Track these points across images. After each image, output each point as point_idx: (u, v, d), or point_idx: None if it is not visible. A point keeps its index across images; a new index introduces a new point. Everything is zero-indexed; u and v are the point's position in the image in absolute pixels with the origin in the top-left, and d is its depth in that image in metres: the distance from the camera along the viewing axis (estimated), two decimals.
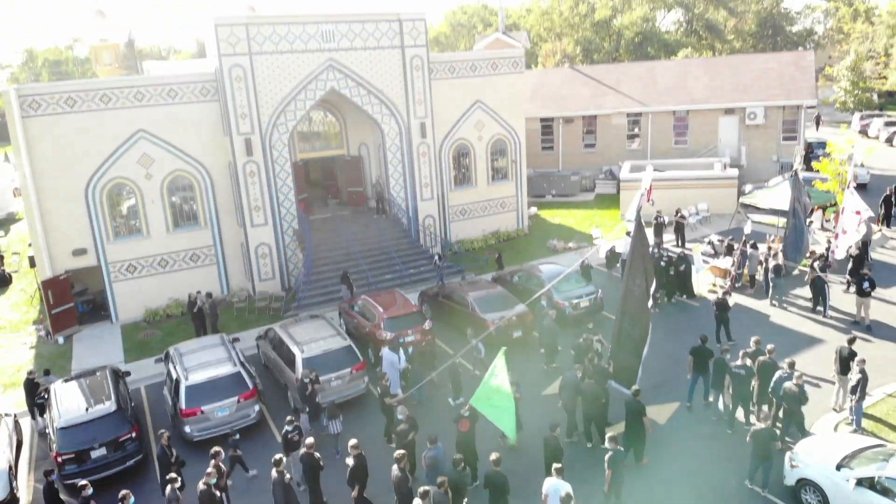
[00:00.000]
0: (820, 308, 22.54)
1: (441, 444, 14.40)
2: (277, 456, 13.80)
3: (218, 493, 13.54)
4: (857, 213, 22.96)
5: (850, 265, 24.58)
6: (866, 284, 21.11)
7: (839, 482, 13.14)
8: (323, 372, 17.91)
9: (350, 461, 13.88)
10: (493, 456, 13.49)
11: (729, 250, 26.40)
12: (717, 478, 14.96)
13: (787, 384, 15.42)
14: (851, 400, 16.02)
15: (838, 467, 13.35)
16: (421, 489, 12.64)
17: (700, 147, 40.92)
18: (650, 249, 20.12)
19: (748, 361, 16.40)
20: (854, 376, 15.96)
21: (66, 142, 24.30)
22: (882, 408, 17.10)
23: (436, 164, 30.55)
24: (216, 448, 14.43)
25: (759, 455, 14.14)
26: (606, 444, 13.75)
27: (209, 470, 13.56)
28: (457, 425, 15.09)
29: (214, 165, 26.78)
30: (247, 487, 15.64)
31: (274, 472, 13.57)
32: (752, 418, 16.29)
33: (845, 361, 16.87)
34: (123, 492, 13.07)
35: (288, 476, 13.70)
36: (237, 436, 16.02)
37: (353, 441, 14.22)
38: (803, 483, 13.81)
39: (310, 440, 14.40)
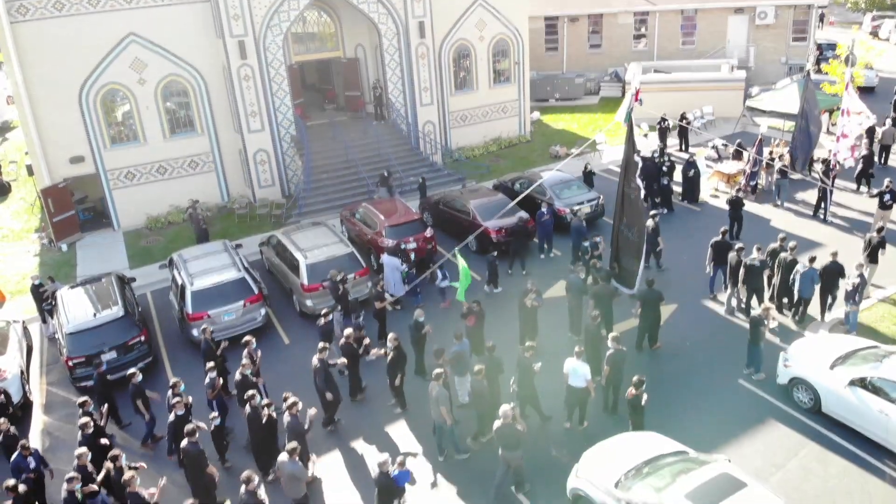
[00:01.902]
0: (821, 212, 22.51)
1: (466, 339, 14.86)
2: (322, 344, 14.50)
3: (254, 380, 14.20)
4: (859, 113, 22.20)
5: (858, 168, 24.34)
6: (888, 197, 20.38)
7: (832, 381, 13.47)
8: (327, 277, 18.03)
9: (390, 352, 14.45)
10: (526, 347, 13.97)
11: (738, 154, 25.99)
12: (713, 375, 15.38)
13: (826, 264, 16.37)
14: (849, 304, 16.21)
15: (832, 367, 13.66)
16: (435, 372, 13.05)
17: (708, 48, 39.79)
18: (640, 154, 20.18)
19: (763, 255, 17.00)
20: (852, 280, 16.10)
21: (56, 47, 23.57)
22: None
23: (435, 66, 29.69)
24: (248, 337, 15.18)
25: (753, 340, 14.80)
26: (609, 343, 14.03)
27: (244, 361, 14.23)
28: (464, 321, 15.63)
29: (209, 70, 26.05)
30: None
31: (315, 360, 14.20)
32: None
33: (874, 250, 17.26)
34: (174, 380, 13.84)
35: (329, 362, 14.35)
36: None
37: (392, 334, 14.75)
38: (796, 382, 14.17)
39: (348, 330, 15.11)
